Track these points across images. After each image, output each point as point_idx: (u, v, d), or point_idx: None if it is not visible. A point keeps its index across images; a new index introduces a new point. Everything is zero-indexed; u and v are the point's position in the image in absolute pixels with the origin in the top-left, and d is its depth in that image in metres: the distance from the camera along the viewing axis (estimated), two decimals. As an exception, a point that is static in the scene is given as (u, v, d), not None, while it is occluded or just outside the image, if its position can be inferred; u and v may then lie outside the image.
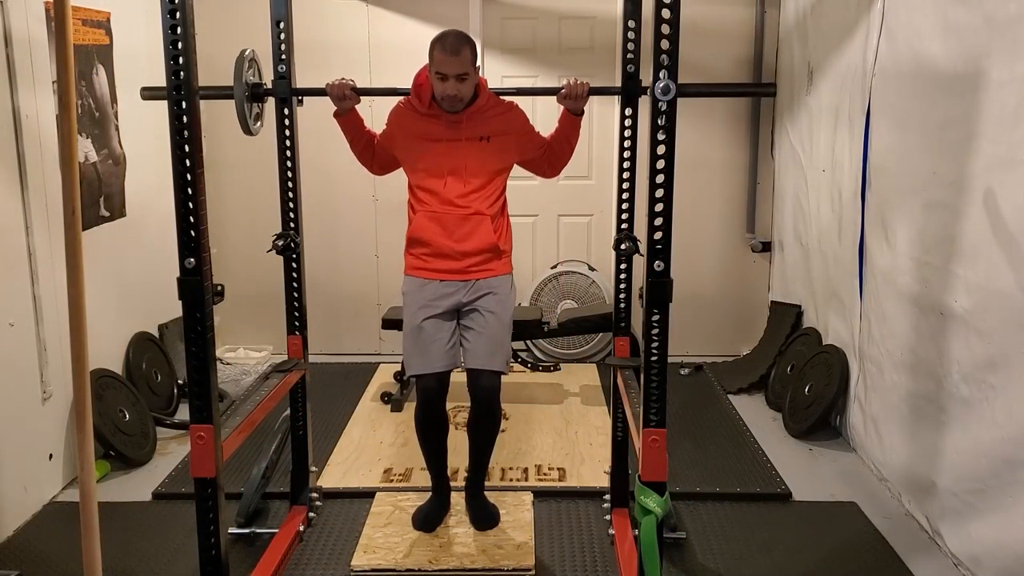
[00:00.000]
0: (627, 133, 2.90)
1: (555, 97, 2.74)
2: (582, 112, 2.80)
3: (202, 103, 2.13)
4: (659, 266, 2.05)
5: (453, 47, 2.65)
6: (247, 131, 2.74)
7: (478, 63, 2.78)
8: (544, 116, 3.78)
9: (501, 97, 2.89)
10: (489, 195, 2.84)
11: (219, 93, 2.81)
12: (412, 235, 2.88)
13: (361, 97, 2.80)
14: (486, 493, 3.06)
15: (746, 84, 2.75)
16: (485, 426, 2.88)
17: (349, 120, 2.85)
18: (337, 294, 4.97)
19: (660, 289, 2.06)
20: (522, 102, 2.97)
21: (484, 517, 3.00)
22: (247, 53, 2.69)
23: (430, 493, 3.05)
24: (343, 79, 2.76)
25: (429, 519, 2.98)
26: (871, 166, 3.41)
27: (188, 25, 2.00)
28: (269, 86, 2.81)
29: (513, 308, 2.90)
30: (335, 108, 2.81)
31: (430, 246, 2.83)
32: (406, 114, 2.87)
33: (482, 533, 2.93)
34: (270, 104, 2.86)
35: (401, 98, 2.89)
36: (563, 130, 2.85)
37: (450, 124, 2.79)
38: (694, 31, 4.43)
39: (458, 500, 3.10)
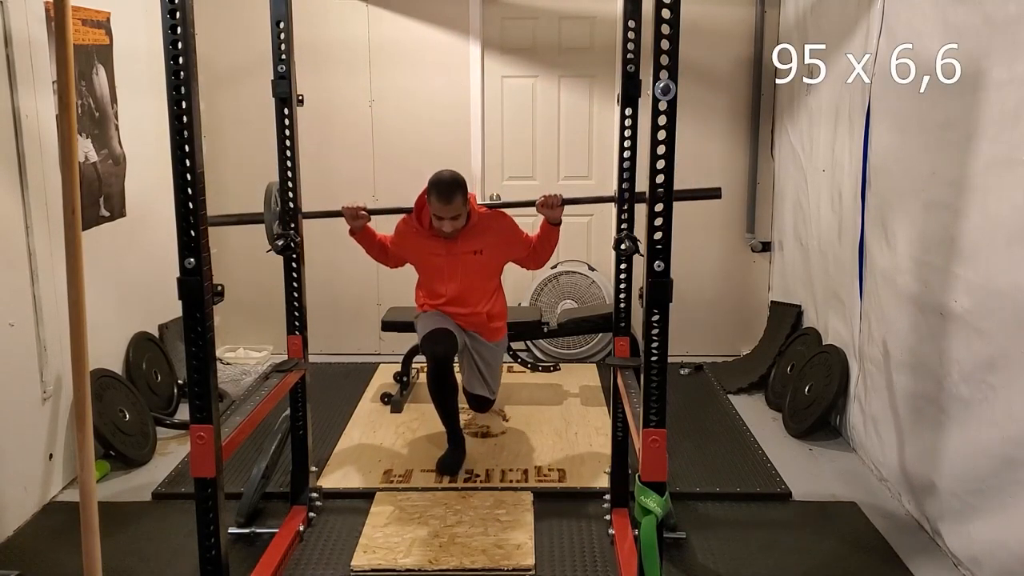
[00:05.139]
0: (627, 133, 2.91)
1: (534, 207, 3.16)
2: (559, 222, 3.25)
3: (202, 103, 2.13)
4: (659, 266, 2.05)
5: (446, 196, 3.11)
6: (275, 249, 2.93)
7: (469, 193, 3.22)
8: (544, 117, 3.77)
9: (490, 209, 3.35)
10: (485, 294, 3.43)
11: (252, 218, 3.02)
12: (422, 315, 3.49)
13: (371, 215, 3.25)
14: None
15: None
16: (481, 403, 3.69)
17: (364, 235, 3.38)
18: (337, 294, 4.97)
19: (660, 289, 2.06)
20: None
21: (479, 402, 3.65)
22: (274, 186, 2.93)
23: (447, 446, 3.54)
24: (355, 203, 3.22)
25: (450, 465, 3.42)
26: (871, 166, 3.41)
27: (188, 25, 2.00)
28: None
29: (504, 353, 3.65)
30: (350, 227, 3.29)
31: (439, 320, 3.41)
32: (410, 231, 3.37)
33: (482, 533, 2.93)
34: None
35: (403, 215, 3.36)
36: (543, 236, 3.32)
37: (448, 242, 3.29)
38: (694, 31, 4.43)
39: (456, 500, 3.15)
